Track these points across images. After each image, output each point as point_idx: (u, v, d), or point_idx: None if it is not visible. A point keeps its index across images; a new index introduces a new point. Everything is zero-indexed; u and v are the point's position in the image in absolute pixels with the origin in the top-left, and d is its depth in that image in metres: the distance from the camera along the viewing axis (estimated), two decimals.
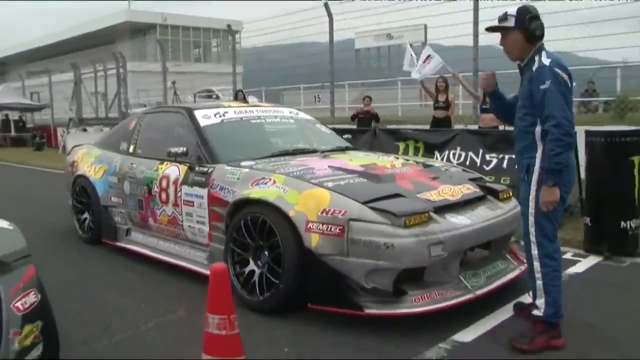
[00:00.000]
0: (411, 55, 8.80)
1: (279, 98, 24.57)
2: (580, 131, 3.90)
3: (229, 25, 17.71)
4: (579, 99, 16.70)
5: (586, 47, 11.49)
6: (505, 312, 3.70)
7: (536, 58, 3.13)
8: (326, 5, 14.28)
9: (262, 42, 17.30)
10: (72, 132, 20.91)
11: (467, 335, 3.37)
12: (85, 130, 21.05)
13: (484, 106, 7.93)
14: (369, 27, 25.82)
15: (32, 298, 2.42)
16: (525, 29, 3.13)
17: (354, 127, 10.18)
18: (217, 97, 26.10)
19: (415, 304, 3.37)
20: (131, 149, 5.48)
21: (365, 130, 8.15)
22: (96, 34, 54.78)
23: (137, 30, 53.01)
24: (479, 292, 3.61)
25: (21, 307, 2.38)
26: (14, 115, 33.77)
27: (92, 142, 6.59)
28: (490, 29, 3.34)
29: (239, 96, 11.90)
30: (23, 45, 66.83)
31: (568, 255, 5.09)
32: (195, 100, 25.13)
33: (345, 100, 18.68)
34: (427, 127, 9.15)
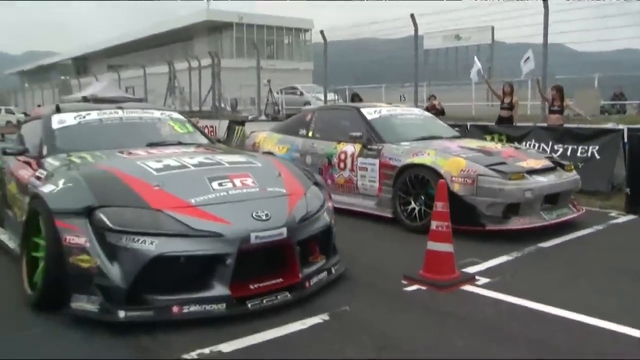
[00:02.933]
0: (479, 68, 11.33)
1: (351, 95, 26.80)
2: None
3: (321, 31, 19.98)
4: (610, 102, 18.99)
5: None
6: None
7: None
8: (412, 17, 16.62)
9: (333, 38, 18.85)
10: None
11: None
12: None
13: (552, 108, 10.41)
14: (439, 27, 27.95)
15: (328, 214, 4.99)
16: None
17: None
18: (302, 94, 28.78)
19: (515, 224, 5.91)
20: (310, 134, 8.16)
21: (460, 125, 10.66)
22: (174, 32, 57.99)
23: (215, 28, 55.87)
24: (551, 222, 6.12)
25: (331, 206, 4.99)
26: None
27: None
28: None
29: (355, 98, 14.51)
30: (103, 43, 71.06)
31: (613, 214, 7.48)
32: (280, 97, 27.67)
33: (423, 100, 21.05)
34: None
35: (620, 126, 9.21)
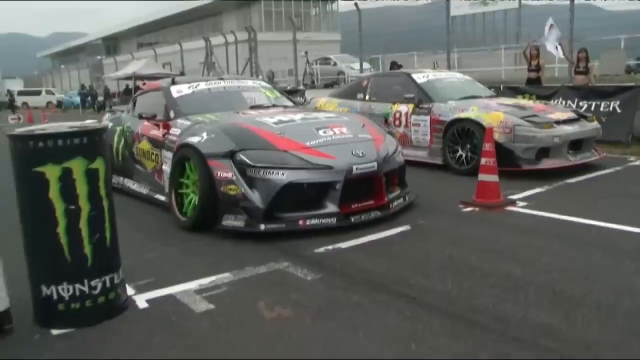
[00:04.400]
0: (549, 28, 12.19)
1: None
2: None
3: (355, 3, 20.79)
4: (636, 62, 19.91)
5: None
6: None
7: None
8: None
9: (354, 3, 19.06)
10: None
11: None
12: None
13: (577, 69, 11.58)
14: None
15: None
16: None
17: None
18: (335, 64, 30.03)
19: (545, 164, 7.22)
20: (367, 97, 9.50)
21: (493, 87, 11.87)
22: (203, 8, 58.95)
23: (243, 3, 56.72)
24: (575, 163, 7.42)
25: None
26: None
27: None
28: None
29: (394, 66, 15.80)
30: (132, 22, 72.36)
31: (632, 158, 8.71)
32: (315, 67, 28.89)
33: (455, 66, 22.17)
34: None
35: None
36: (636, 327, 3.06)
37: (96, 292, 3.43)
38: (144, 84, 32.57)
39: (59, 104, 46.27)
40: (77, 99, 42.79)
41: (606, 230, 4.92)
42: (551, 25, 12.25)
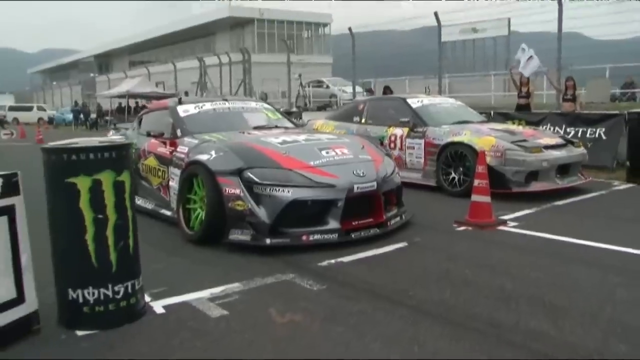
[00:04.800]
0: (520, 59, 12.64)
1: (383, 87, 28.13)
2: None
3: (349, 28, 21.18)
4: (620, 90, 20.54)
5: None
6: None
7: None
8: (436, 15, 18.11)
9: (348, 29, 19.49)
10: None
11: None
12: None
13: (565, 97, 12.01)
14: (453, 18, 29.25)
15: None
16: None
17: None
18: (327, 87, 30.46)
19: (534, 188, 7.56)
20: (363, 120, 9.85)
21: (484, 113, 12.27)
22: (196, 28, 59.52)
23: (236, 24, 57.38)
24: (563, 186, 7.77)
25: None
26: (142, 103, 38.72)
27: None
28: None
29: (387, 91, 16.22)
30: (125, 40, 72.73)
31: (616, 183, 9.08)
32: (308, 89, 29.32)
33: (446, 91, 22.61)
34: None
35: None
36: (618, 332, 3.35)
37: (119, 296, 3.68)
38: (150, 102, 32.83)
39: (50, 120, 46.37)
40: (69, 116, 42.93)
41: (592, 249, 5.24)
42: (530, 57, 12.52)
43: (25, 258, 3.52)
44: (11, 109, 49.82)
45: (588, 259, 4.96)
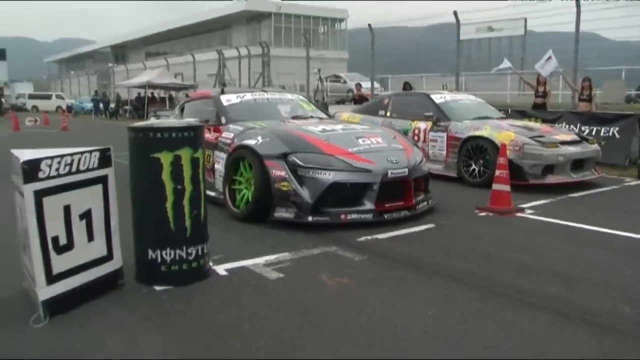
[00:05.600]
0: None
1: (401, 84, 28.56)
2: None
3: (369, 25, 21.60)
4: (635, 92, 20.94)
5: None
6: None
7: None
8: (455, 14, 18.55)
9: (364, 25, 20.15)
10: None
11: None
12: None
13: (582, 97, 12.52)
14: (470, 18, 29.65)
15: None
16: None
17: None
18: (345, 82, 30.99)
19: (550, 180, 8.10)
20: (388, 114, 10.40)
21: (502, 110, 12.79)
22: (212, 21, 60.05)
23: (252, 18, 57.85)
24: (577, 179, 8.30)
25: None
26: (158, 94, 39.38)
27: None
28: None
29: (407, 87, 16.80)
30: (141, 31, 73.50)
31: (628, 179, 9.59)
32: (326, 84, 29.80)
33: (462, 88, 23.07)
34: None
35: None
36: (624, 299, 3.90)
37: (191, 257, 4.26)
38: (167, 93, 33.05)
39: (69, 108, 47.16)
40: (88, 105, 43.74)
41: (602, 234, 5.78)
42: (549, 57, 13.11)
43: (114, 221, 4.10)
44: (30, 97, 50.72)
45: (599, 242, 5.50)
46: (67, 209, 3.74)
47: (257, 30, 58.98)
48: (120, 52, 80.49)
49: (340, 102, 26.85)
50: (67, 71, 79.08)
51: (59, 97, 52.52)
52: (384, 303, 3.83)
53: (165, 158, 4.08)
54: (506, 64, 16.56)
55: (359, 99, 17.03)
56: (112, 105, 39.04)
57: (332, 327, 3.41)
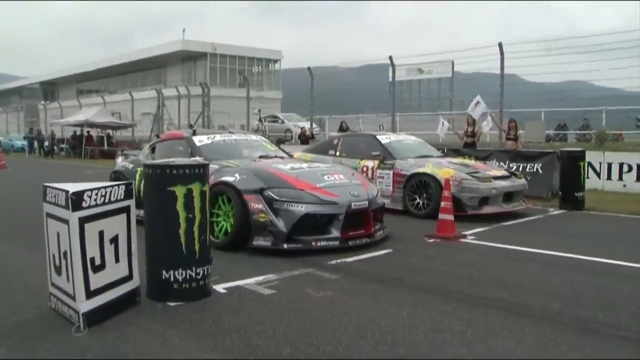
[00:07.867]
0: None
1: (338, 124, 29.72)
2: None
3: (308, 68, 22.93)
4: (575, 132, 23.04)
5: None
6: None
7: None
8: (390, 58, 20.00)
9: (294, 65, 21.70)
10: None
11: None
12: None
13: (508, 136, 13.97)
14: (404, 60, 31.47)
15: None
16: None
17: None
18: (282, 122, 32.08)
19: (486, 211, 9.26)
20: (337, 153, 11.42)
21: (439, 149, 14.05)
22: (148, 60, 60.23)
23: (188, 58, 58.47)
24: (508, 210, 9.50)
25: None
26: (95, 132, 39.05)
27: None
28: None
29: (343, 125, 17.99)
30: (73, 69, 72.48)
31: (551, 209, 10.91)
32: (265, 124, 30.78)
33: (397, 128, 24.48)
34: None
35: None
36: (552, 298, 4.94)
37: (199, 277, 5.02)
38: (103, 132, 33.03)
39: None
40: (18, 142, 42.99)
41: (532, 253, 6.91)
42: (477, 102, 14.67)
43: (134, 245, 4.85)
44: None
45: (530, 258, 6.62)
46: (101, 234, 4.47)
47: (193, 69, 59.56)
48: (50, 88, 79.11)
49: (280, 141, 27.85)
50: None
51: None
52: (365, 308, 4.71)
53: (180, 191, 4.87)
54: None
55: (304, 139, 18.15)
56: (47, 143, 38.55)
57: (330, 326, 4.25)
